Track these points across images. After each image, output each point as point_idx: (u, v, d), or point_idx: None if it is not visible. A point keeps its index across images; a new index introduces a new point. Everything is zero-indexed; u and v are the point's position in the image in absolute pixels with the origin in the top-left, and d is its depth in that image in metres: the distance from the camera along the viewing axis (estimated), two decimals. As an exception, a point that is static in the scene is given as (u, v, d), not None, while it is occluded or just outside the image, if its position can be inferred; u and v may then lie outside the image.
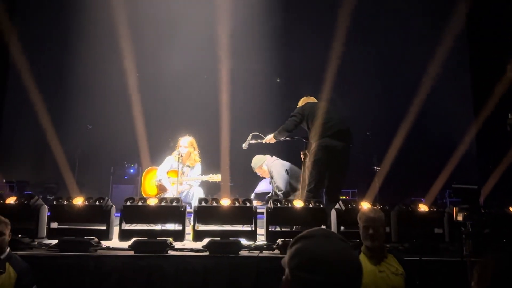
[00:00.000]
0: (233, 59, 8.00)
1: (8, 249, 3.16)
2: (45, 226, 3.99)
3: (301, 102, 5.41)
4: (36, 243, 3.95)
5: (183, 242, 4.04)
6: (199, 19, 8.26)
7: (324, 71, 7.10)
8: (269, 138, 5.42)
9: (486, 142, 7.49)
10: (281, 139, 5.38)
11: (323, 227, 3.12)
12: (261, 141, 5.52)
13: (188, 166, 5.73)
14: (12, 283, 3.02)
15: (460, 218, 3.61)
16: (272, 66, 8.58)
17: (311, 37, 8.58)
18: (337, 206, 4.18)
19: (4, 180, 7.36)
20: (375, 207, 3.86)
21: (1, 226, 3.11)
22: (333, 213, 4.15)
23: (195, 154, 5.78)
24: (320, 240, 1.11)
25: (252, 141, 5.53)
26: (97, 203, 3.94)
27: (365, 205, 4.11)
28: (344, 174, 5.01)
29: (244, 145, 5.56)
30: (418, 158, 8.23)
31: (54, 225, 3.92)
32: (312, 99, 5.42)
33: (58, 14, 8.45)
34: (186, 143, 5.66)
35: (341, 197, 4.87)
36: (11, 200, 3.97)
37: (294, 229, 4.35)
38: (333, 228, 4.10)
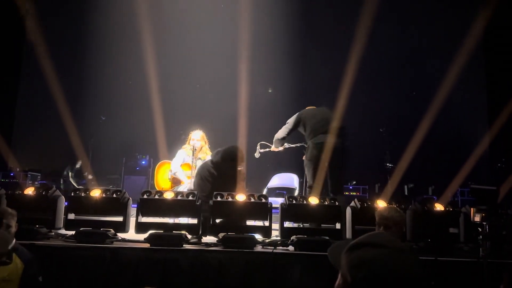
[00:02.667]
0: (252, 56, 7.94)
1: (14, 240, 3.17)
2: (62, 217, 4.02)
3: None
4: (53, 233, 4.00)
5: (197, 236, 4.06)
6: (218, 15, 8.23)
7: (342, 72, 7.02)
8: (273, 147, 5.41)
9: (500, 143, 7.43)
10: (280, 147, 5.34)
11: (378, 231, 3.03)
12: (269, 149, 5.47)
13: (200, 158, 5.79)
14: (19, 274, 3.02)
15: (477, 219, 3.58)
16: (288, 67, 8.51)
17: (331, 34, 8.52)
18: (352, 204, 4.17)
19: (18, 169, 7.44)
20: (392, 206, 3.83)
21: (8, 218, 3.12)
22: (348, 211, 4.14)
23: (207, 148, 5.86)
24: (394, 254, 1.02)
25: (261, 150, 5.47)
26: (114, 195, 3.96)
27: (380, 204, 4.09)
28: (340, 169, 4.99)
29: (256, 154, 5.51)
30: (431, 156, 8.16)
31: (71, 216, 3.95)
32: (311, 107, 5.42)
33: (78, 4, 8.45)
34: (199, 137, 5.74)
35: (352, 193, 4.81)
36: (29, 190, 4.01)
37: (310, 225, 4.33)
38: (348, 226, 4.10)
